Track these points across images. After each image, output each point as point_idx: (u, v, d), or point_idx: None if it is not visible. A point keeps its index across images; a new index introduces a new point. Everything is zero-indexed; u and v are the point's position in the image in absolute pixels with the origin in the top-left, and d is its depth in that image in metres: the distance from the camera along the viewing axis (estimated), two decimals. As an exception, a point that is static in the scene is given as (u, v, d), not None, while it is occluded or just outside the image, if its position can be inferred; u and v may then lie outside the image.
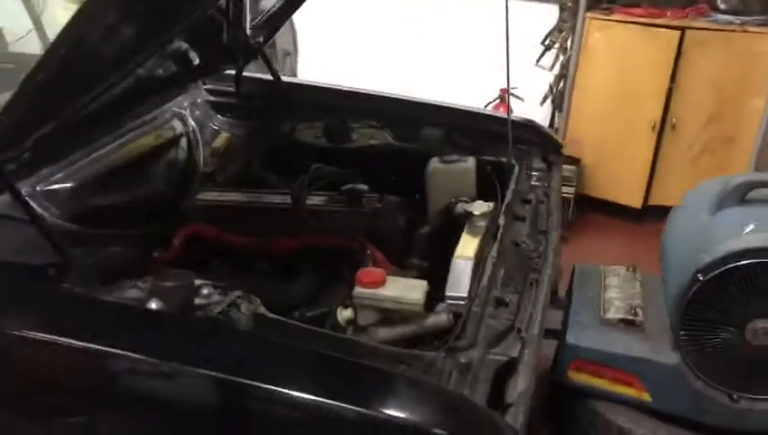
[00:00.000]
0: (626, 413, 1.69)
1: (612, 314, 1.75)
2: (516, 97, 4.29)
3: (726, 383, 1.64)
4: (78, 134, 1.62)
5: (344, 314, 1.56)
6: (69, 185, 1.75)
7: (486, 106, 4.23)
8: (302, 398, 1.13)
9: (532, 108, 4.12)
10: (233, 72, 2.34)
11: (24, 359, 1.23)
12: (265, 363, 1.17)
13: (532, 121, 2.44)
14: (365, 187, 1.96)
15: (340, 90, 2.45)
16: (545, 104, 4.09)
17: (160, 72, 1.96)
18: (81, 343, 1.19)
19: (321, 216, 1.88)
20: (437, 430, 1.10)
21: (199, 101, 2.38)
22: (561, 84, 3.95)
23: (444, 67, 4.47)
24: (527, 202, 2.02)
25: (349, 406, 1.10)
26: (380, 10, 4.53)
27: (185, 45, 2.07)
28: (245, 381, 1.14)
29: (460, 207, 1.89)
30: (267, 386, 1.13)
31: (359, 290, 1.52)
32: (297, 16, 4.34)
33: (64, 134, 1.50)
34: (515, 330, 1.45)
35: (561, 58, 3.90)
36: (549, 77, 4.00)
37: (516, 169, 2.16)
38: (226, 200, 1.96)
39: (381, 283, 1.54)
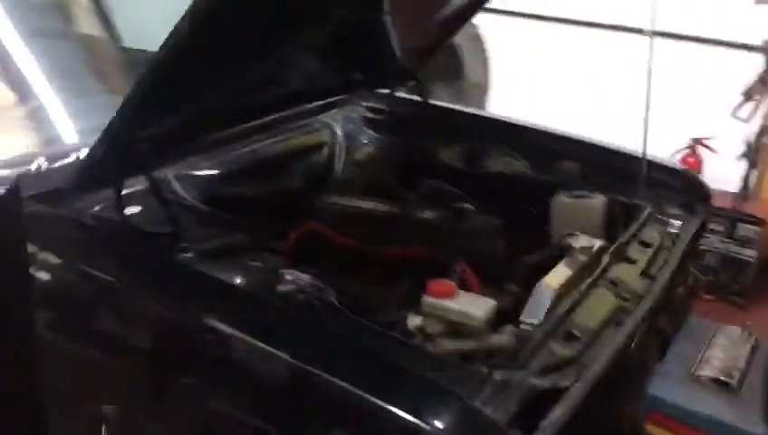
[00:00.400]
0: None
1: (706, 371, 1.62)
2: (708, 148, 4.06)
3: None
4: (208, 127, 1.82)
5: (414, 322, 1.62)
6: (210, 172, 2.00)
7: (674, 155, 4.04)
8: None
9: (726, 161, 3.87)
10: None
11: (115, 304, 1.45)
12: (293, 339, 1.28)
13: (682, 167, 2.33)
14: (472, 207, 2.00)
15: (485, 117, 2.53)
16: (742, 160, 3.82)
17: (302, 82, 2.13)
18: (150, 299, 1.38)
19: (426, 229, 1.95)
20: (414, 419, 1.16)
21: (354, 115, 2.57)
22: (760, 139, 3.67)
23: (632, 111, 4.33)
24: (646, 245, 1.95)
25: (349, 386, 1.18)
26: (578, 50, 4.50)
27: (336, 61, 2.26)
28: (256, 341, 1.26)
29: (565, 241, 1.87)
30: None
31: (426, 299, 1.57)
32: (494, 50, 4.52)
33: (197, 125, 1.72)
34: (576, 363, 1.43)
35: (761, 111, 3.63)
36: (747, 130, 3.74)
37: (647, 211, 2.08)
38: (348, 205, 2.10)
39: (450, 295, 1.58)
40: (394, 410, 1.20)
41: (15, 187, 0.88)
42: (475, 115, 2.63)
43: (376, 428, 1.22)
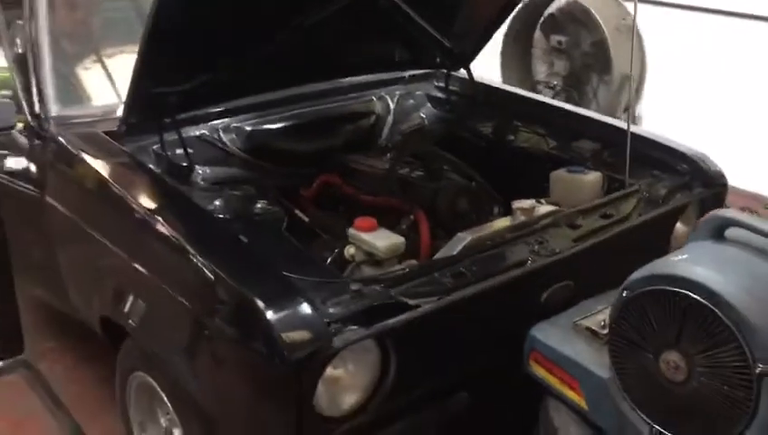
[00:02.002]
0: (564, 415, 1.73)
1: (586, 322, 1.76)
2: None
3: (649, 414, 1.55)
4: (236, 85, 2.30)
5: (349, 250, 1.99)
6: (255, 126, 2.50)
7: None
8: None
9: None
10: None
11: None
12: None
13: (700, 154, 2.37)
14: (447, 167, 2.30)
15: (525, 96, 2.75)
16: None
17: (337, 56, 2.54)
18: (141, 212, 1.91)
19: (406, 184, 2.29)
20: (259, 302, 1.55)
21: (419, 93, 2.93)
22: None
23: None
24: (607, 217, 2.09)
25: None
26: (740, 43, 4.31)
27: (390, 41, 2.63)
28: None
29: (513, 203, 2.09)
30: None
31: (350, 230, 1.94)
32: (651, 43, 4.50)
33: (222, 82, 2.21)
34: (444, 292, 1.71)
35: None
36: None
37: (632, 188, 2.21)
38: (358, 163, 2.48)
39: (370, 229, 1.92)
40: (250, 295, 1.60)
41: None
42: (515, 94, 2.86)
43: (239, 307, 1.63)
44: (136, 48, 1.92)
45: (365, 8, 2.31)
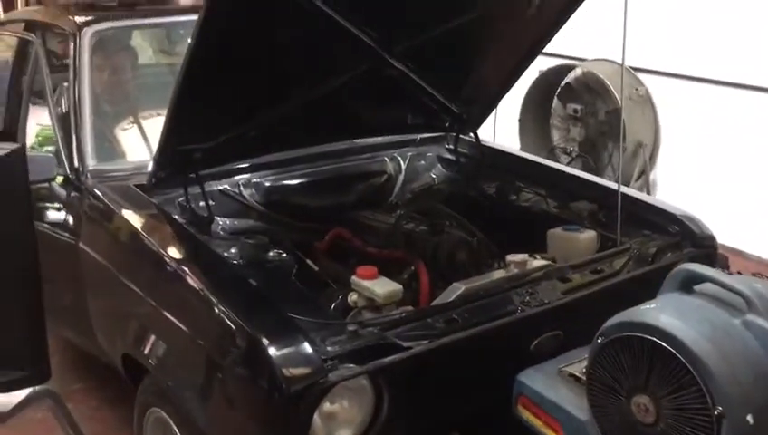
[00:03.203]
0: (549, 456, 1.82)
1: (570, 368, 1.87)
2: None
3: None
4: (257, 144, 2.50)
5: (352, 297, 2.14)
6: (273, 182, 2.69)
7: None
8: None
9: None
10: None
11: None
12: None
13: (690, 216, 2.50)
14: (448, 223, 2.45)
15: (528, 159, 2.93)
16: None
17: (350, 119, 2.73)
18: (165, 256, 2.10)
19: (409, 238, 2.45)
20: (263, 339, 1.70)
21: (430, 154, 3.11)
22: None
23: None
24: (596, 272, 2.22)
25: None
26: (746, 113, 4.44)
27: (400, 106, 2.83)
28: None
29: (508, 257, 2.23)
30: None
31: (353, 278, 2.10)
32: (666, 111, 4.66)
33: (243, 141, 2.41)
34: (436, 336, 1.85)
35: None
36: None
37: (623, 247, 2.33)
38: (367, 219, 2.66)
39: (371, 278, 2.07)
40: (253, 331, 1.76)
41: (20, 147, 1.61)
42: (518, 157, 3.03)
43: (245, 343, 1.79)
44: (165, 109, 2.14)
45: (378, 75, 2.51)
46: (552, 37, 2.72)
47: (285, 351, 1.71)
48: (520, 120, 5.23)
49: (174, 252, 2.10)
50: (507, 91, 2.94)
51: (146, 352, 2.10)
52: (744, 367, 1.52)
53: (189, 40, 1.98)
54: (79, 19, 2.88)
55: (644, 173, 4.80)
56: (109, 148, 2.74)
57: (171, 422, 2.10)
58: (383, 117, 2.86)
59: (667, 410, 1.56)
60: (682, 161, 4.79)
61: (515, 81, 2.90)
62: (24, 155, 1.68)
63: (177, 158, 2.28)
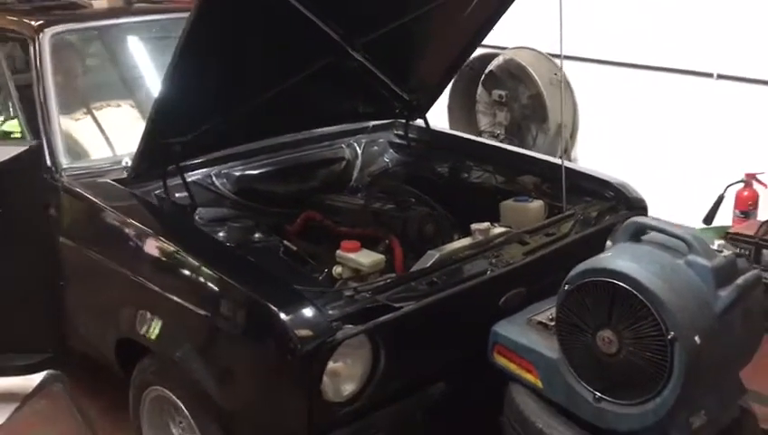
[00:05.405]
0: (524, 396, 2.09)
1: (538, 317, 2.15)
2: (760, 183, 4.29)
3: (591, 383, 1.91)
4: (229, 135, 2.66)
5: (337, 269, 2.35)
6: (242, 172, 2.86)
7: (727, 188, 4.29)
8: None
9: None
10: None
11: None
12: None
13: (621, 182, 2.82)
14: (413, 200, 2.70)
15: (474, 140, 3.21)
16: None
17: (312, 110, 2.93)
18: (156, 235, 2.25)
19: (379, 216, 2.67)
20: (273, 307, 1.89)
21: (382, 140, 3.34)
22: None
23: (686, 146, 4.64)
24: (549, 235, 2.50)
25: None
26: (654, 93, 4.86)
27: (354, 95, 3.04)
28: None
29: (472, 226, 2.49)
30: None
31: (339, 252, 2.31)
32: (582, 93, 5.05)
33: (217, 133, 2.56)
34: (421, 296, 2.08)
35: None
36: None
37: (567, 212, 2.62)
38: (334, 201, 2.87)
39: (354, 250, 2.29)
40: (264, 301, 1.95)
41: (38, 146, 1.75)
42: (466, 139, 3.32)
43: (256, 312, 1.97)
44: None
45: (337, 68, 2.72)
46: (490, 31, 3.00)
47: (295, 315, 1.90)
48: (449, 107, 5.52)
49: (172, 237, 2.25)
50: (451, 79, 3.20)
51: (145, 332, 2.24)
52: (690, 298, 1.83)
53: (175, 37, 2.12)
54: (35, 22, 2.95)
55: (566, 151, 5.17)
56: (78, 146, 2.83)
57: (174, 397, 2.25)
58: (341, 106, 3.07)
59: (627, 340, 1.85)
60: (599, 138, 5.19)
61: (458, 69, 3.17)
62: (42, 151, 1.82)
63: (158, 151, 2.42)
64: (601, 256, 1.95)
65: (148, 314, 2.24)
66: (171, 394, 2.26)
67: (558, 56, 5.14)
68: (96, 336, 2.56)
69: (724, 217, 4.28)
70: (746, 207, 4.25)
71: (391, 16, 2.62)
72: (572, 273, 1.95)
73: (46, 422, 2.50)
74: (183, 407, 2.22)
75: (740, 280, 1.87)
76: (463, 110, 5.60)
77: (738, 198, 4.27)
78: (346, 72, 2.77)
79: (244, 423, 2.06)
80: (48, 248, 2.50)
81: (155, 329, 2.22)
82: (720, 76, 4.49)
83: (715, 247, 1.91)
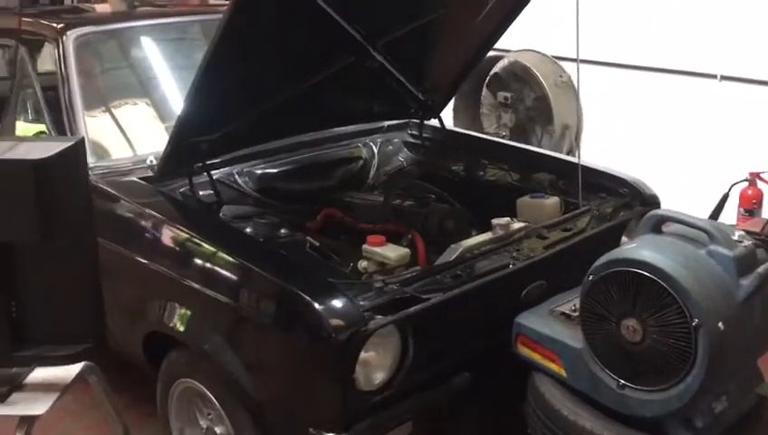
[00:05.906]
0: (548, 385, 2.15)
1: (560, 308, 2.21)
2: (764, 181, 4.36)
3: (615, 371, 1.97)
4: (251, 134, 2.72)
5: (362, 264, 2.41)
6: (263, 170, 2.92)
7: (732, 187, 4.36)
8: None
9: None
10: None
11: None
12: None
13: (635, 179, 2.89)
14: (432, 196, 2.76)
15: (488, 139, 3.27)
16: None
17: (330, 109, 2.99)
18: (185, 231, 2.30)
19: (399, 211, 2.73)
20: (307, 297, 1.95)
21: (397, 140, 3.40)
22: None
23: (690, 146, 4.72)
24: (567, 230, 2.56)
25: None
26: (659, 95, 4.94)
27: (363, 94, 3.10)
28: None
29: (493, 221, 2.55)
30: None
31: (365, 246, 2.37)
32: (586, 95, 5.12)
33: (241, 131, 2.62)
34: (447, 288, 2.13)
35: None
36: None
37: (583, 208, 2.69)
38: (354, 198, 2.93)
39: (380, 245, 2.35)
40: (298, 292, 2.00)
41: (81, 139, 1.80)
42: (479, 138, 3.38)
43: (290, 302, 2.02)
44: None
45: (355, 68, 2.78)
46: (503, 34, 3.07)
47: (329, 305, 1.95)
48: (454, 109, 5.58)
49: (204, 232, 2.30)
50: (464, 79, 3.27)
51: (175, 325, 2.29)
52: (712, 286, 1.89)
53: (208, 39, 2.20)
54: (58, 25, 3.01)
55: (571, 152, 5.24)
56: (103, 145, 2.88)
57: (204, 388, 2.29)
58: (357, 106, 3.13)
59: (652, 328, 1.91)
60: (603, 140, 5.26)
61: (471, 70, 3.23)
62: (84, 146, 1.87)
63: (186, 149, 2.48)
64: (625, 247, 2.01)
65: (180, 307, 2.29)
66: (201, 386, 2.31)
67: (563, 59, 5.27)
68: (123, 331, 2.60)
69: (729, 216, 4.36)
70: (751, 206, 4.33)
71: (410, 19, 2.69)
72: (596, 264, 2.01)
73: (82, 413, 2.53)
74: (213, 398, 2.27)
75: (761, 269, 1.93)
76: (467, 112, 5.66)
77: (742, 196, 4.34)
78: (364, 73, 2.83)
79: (276, 412, 2.11)
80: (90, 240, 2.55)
81: (186, 321, 2.27)
82: (723, 78, 4.57)
83: (735, 238, 1.97)
